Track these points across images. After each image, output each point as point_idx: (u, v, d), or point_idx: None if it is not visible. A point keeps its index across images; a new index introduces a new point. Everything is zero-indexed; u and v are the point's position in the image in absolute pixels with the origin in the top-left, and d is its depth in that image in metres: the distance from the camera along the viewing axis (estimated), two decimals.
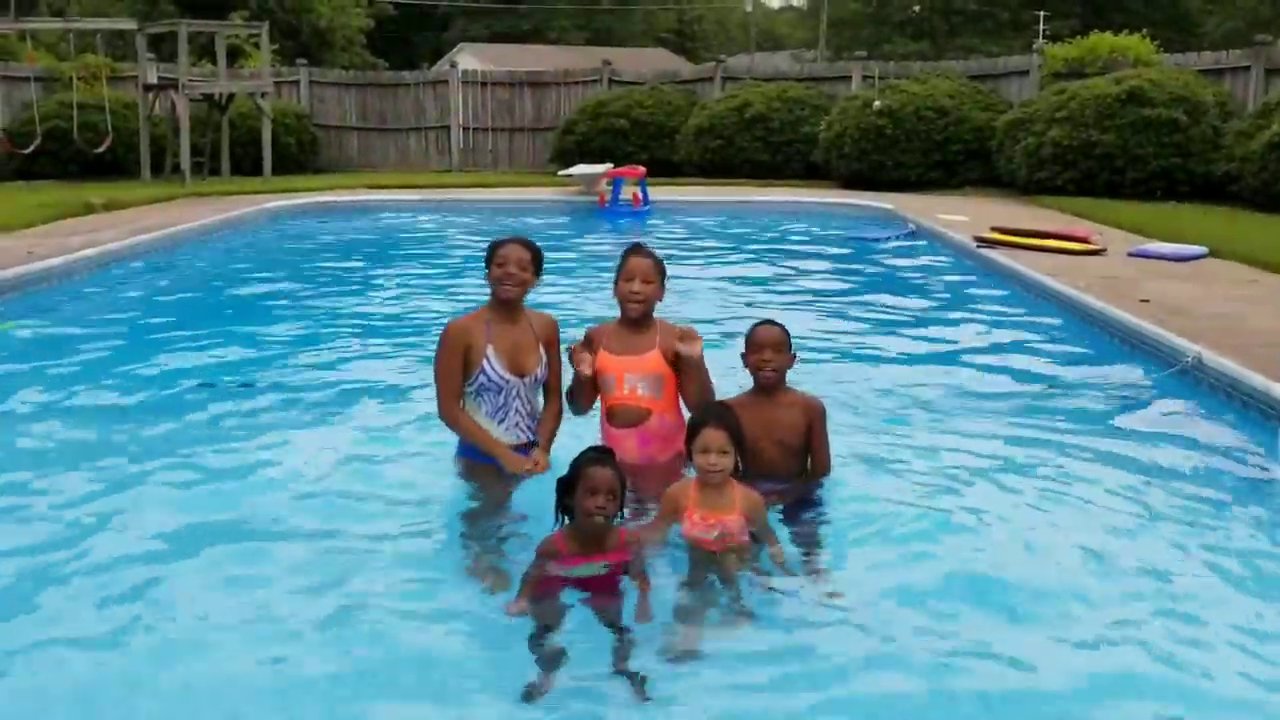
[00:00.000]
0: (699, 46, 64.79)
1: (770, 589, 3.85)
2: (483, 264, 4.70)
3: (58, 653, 3.50)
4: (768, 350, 4.45)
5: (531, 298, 4.78)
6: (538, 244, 4.73)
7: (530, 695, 3.23)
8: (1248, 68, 16.96)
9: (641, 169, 17.18)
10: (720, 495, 3.98)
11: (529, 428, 4.75)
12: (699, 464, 3.97)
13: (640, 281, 4.59)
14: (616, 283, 4.64)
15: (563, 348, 4.72)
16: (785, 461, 4.49)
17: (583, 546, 3.80)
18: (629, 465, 4.56)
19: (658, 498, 4.19)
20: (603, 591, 3.76)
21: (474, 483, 4.69)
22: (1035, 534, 4.47)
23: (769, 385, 4.49)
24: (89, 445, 5.49)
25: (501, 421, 4.67)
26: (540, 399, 4.83)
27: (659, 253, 4.76)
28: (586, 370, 4.56)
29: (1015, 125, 17.56)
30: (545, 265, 4.76)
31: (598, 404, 4.76)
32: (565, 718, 3.17)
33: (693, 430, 4.02)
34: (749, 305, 9.11)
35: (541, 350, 4.73)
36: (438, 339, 4.68)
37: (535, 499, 4.22)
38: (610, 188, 16.65)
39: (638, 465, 4.55)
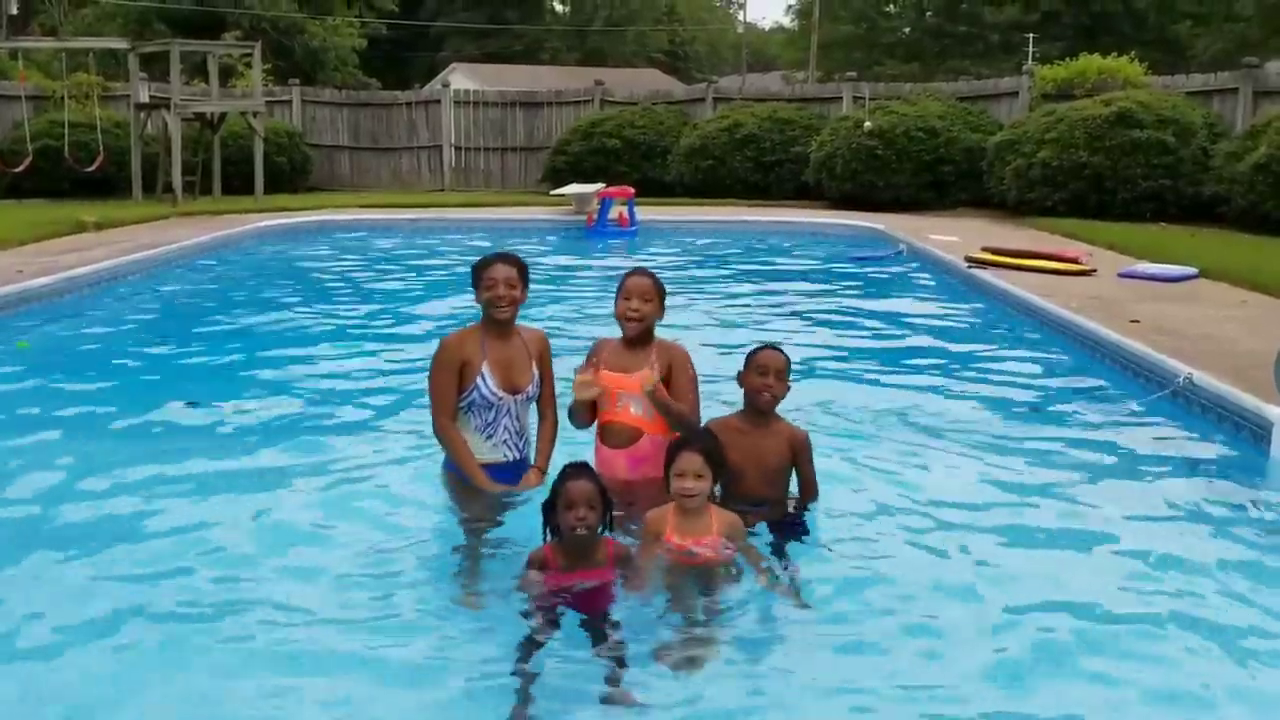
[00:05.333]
0: (691, 67, 65.08)
1: (749, 606, 3.84)
2: (470, 284, 4.69)
3: (51, 660, 3.51)
4: (772, 375, 4.45)
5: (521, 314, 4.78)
6: (522, 258, 4.73)
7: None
8: (1236, 90, 17.09)
9: (630, 190, 17.22)
10: (698, 519, 3.98)
11: (516, 445, 4.73)
12: (675, 488, 3.95)
13: (638, 300, 4.59)
14: (616, 302, 4.65)
15: (573, 367, 4.70)
16: (766, 488, 4.47)
17: (571, 561, 3.82)
18: (620, 483, 4.55)
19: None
20: (592, 603, 3.76)
21: (460, 496, 4.67)
22: (1021, 555, 4.46)
23: (764, 410, 4.49)
24: (76, 459, 5.45)
25: (490, 438, 4.66)
26: (530, 417, 4.82)
27: (655, 274, 4.75)
28: (585, 395, 4.56)
29: (1005, 146, 17.64)
30: (535, 284, 4.76)
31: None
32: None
33: (670, 454, 4.02)
34: (738, 325, 9.11)
35: (534, 367, 4.73)
36: (433, 353, 4.68)
37: (520, 514, 4.26)
38: (598, 208, 16.68)
39: (630, 483, 4.54)
